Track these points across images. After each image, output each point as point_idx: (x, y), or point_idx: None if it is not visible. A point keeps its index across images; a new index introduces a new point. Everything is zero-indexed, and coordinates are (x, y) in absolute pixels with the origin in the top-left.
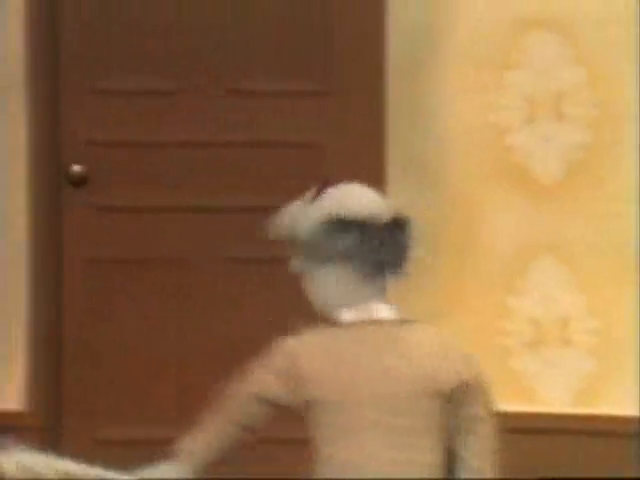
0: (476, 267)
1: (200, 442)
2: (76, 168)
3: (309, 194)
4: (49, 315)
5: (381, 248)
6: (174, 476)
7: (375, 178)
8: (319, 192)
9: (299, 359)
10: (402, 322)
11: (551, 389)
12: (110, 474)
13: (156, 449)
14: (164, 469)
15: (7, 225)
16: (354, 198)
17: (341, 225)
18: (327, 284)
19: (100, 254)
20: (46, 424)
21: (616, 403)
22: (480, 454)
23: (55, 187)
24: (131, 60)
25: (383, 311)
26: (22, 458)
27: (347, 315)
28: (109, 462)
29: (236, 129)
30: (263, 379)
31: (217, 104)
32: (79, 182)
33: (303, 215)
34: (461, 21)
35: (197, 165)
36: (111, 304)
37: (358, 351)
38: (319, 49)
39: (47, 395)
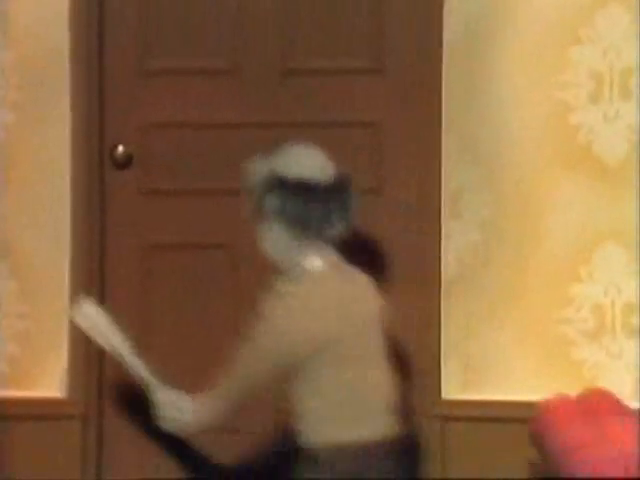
0: (537, 253)
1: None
2: (121, 149)
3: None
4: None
5: (317, 209)
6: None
7: (431, 158)
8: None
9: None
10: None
11: (614, 379)
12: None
13: None
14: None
15: (51, 206)
16: (299, 159)
17: (279, 184)
18: (267, 238)
19: (143, 238)
20: (87, 412)
21: None
22: None
23: (99, 169)
24: (180, 39)
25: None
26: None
27: (315, 262)
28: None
29: (290, 109)
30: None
31: (270, 84)
32: (124, 164)
33: (256, 170)
34: None
35: (246, 147)
36: (154, 288)
37: (345, 290)
38: (374, 27)
39: (88, 383)
